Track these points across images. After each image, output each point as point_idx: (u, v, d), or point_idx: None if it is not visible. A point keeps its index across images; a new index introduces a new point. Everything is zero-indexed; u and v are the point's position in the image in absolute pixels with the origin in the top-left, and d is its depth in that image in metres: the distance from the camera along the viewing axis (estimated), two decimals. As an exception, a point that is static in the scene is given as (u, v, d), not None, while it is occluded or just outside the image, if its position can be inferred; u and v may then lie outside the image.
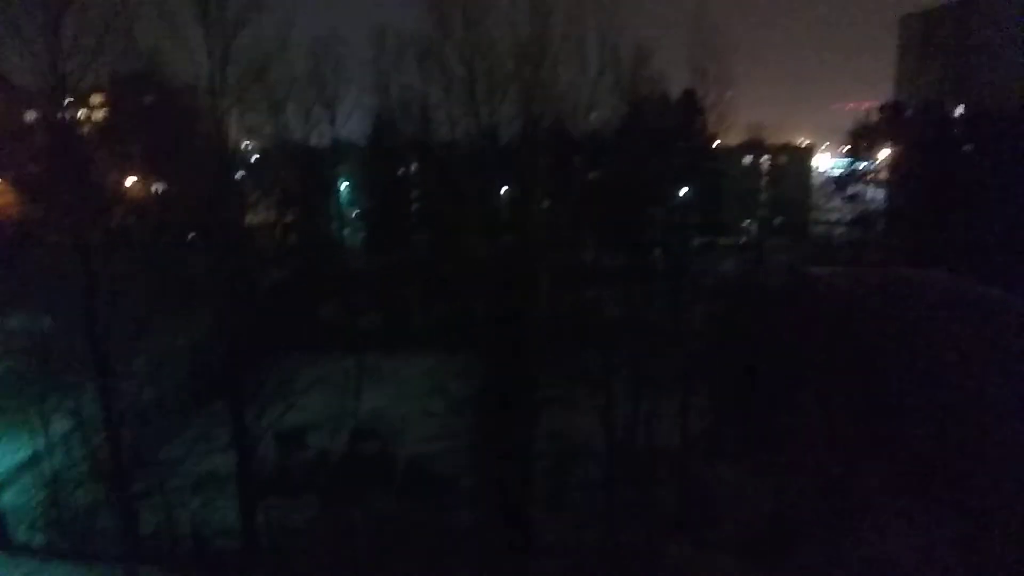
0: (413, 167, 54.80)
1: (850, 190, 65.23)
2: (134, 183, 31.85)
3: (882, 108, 63.75)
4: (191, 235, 26.53)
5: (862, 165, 68.20)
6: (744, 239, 63.57)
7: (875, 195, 64.18)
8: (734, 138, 70.01)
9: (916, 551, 22.30)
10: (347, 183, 57.89)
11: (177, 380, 30.87)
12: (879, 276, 38.89)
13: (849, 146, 66.51)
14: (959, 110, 68.39)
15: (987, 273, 36.48)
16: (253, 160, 46.51)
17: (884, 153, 65.37)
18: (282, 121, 42.36)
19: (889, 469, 26.64)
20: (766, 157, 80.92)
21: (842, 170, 72.93)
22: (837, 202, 68.02)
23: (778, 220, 66.08)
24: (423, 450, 29.16)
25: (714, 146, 53.60)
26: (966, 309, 31.70)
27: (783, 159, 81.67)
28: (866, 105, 70.51)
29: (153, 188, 33.06)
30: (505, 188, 34.16)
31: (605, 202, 34.28)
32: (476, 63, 29.17)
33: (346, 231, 55.53)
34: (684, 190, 46.15)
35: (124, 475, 22.38)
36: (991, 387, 21.12)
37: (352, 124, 52.35)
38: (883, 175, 64.83)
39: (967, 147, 54.73)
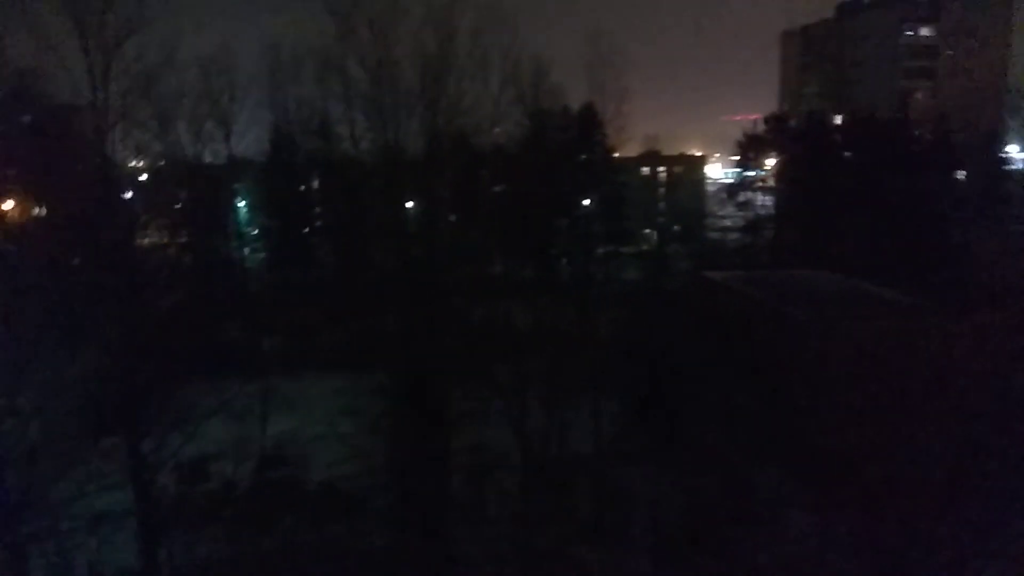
0: (315, 183, 53.75)
1: (741, 197, 68.41)
2: (12, 207, 29.83)
3: (767, 119, 67.15)
4: (76, 260, 25.07)
5: (751, 174, 71.61)
6: (645, 247, 65.46)
7: (764, 201, 67.49)
8: (632, 150, 72.36)
9: (817, 544, 23.46)
10: (245, 201, 56.13)
11: (67, 414, 28.97)
12: (770, 278, 41.03)
13: (739, 156, 69.67)
14: (838, 120, 72.81)
15: (868, 271, 39.04)
16: (143, 179, 44.46)
17: (771, 162, 68.92)
18: (173, 138, 40.69)
19: (791, 465, 27.97)
20: (663, 168, 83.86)
21: (733, 179, 76.27)
22: (730, 209, 71.09)
23: (676, 228, 68.37)
24: (335, 472, 28.46)
25: (614, 158, 55.31)
26: (852, 306, 33.78)
27: (679, 169, 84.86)
28: (753, 116, 74.21)
29: (34, 211, 31.07)
30: (411, 203, 34.02)
31: (511, 214, 34.67)
32: (380, 77, 28.99)
33: (245, 250, 53.80)
34: (587, 201, 47.25)
35: (11, 519, 20.78)
36: (881, 380, 22.40)
37: (249, 140, 50.96)
38: (770, 183, 68.32)
39: (846, 155, 58.38)
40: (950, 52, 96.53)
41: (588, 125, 49.22)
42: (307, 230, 52.77)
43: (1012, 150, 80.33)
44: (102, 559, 23.40)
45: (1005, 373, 20.23)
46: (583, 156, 50.20)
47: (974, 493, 18.32)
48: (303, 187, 53.77)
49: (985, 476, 18.12)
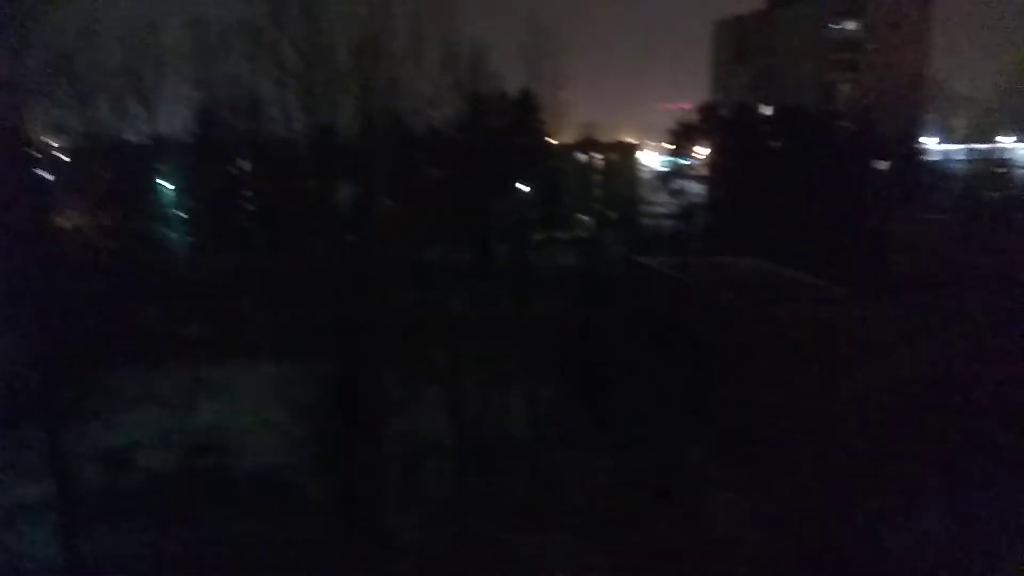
0: (245, 165, 52.21)
1: (674, 185, 69.65)
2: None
3: (699, 109, 68.43)
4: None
5: (684, 162, 72.95)
6: (581, 233, 66.03)
7: (696, 189, 68.90)
8: (568, 136, 72.72)
9: (742, 522, 24.28)
10: (171, 182, 54.18)
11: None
12: (701, 264, 42.04)
13: (672, 144, 70.85)
14: (768, 110, 74.73)
15: (792, 258, 40.35)
16: (63, 159, 42.41)
17: (703, 150, 70.37)
18: (95, 116, 38.89)
19: (720, 445, 28.81)
20: (599, 154, 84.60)
21: (667, 167, 77.49)
22: (664, 196, 72.26)
23: (612, 214, 69.14)
24: (266, 462, 27.95)
25: (550, 144, 55.51)
26: (776, 292, 34.88)
27: (614, 156, 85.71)
28: (687, 105, 75.54)
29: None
30: (345, 186, 33.41)
31: (448, 199, 34.44)
32: (312, 57, 28.25)
33: (172, 233, 51.97)
34: (524, 187, 47.32)
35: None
36: (802, 363, 23.16)
37: (175, 119, 49.21)
38: (702, 171, 69.76)
39: (774, 144, 60.01)
40: (874, 46, 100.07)
41: (525, 111, 49.23)
42: (237, 213, 51.26)
43: (930, 141, 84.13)
44: (20, 554, 22.40)
45: (920, 355, 21.17)
46: (520, 142, 50.19)
47: (893, 472, 19.15)
48: (232, 168, 52.14)
49: (904, 455, 18.94)
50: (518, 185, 46.77)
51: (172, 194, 54.09)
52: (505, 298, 33.16)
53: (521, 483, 26.78)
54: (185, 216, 53.85)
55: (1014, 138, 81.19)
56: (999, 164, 76.66)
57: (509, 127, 49.00)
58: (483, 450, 27.11)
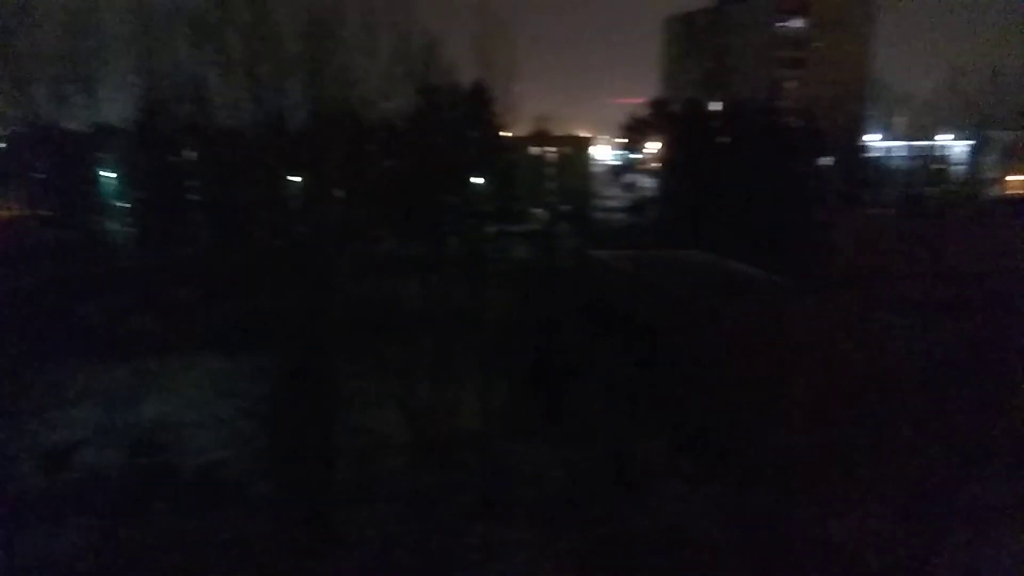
0: (190, 154, 50.95)
1: (626, 179, 70.49)
2: None
3: (650, 104, 69.30)
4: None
5: (636, 156, 73.83)
6: (534, 226, 66.31)
7: (647, 183, 69.81)
8: (522, 129, 72.85)
9: (693, 511, 24.77)
10: (113, 172, 52.59)
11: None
12: (652, 257, 42.60)
13: (624, 138, 71.65)
14: (716, 106, 75.98)
15: (739, 251, 41.23)
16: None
17: (653, 145, 71.28)
18: (32, 103, 37.52)
19: (672, 436, 29.29)
20: (551, 148, 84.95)
21: (619, 160, 78.25)
22: (616, 190, 73.02)
23: (565, 208, 69.55)
24: (213, 458, 27.39)
25: (503, 137, 55.50)
26: (724, 284, 35.58)
27: (567, 150, 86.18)
28: (638, 100, 76.39)
29: None
30: (294, 177, 32.90)
31: (400, 191, 34.18)
32: (259, 44, 27.72)
33: (115, 225, 50.50)
34: (477, 179, 47.23)
35: None
36: (749, 353, 23.67)
37: (117, 107, 47.71)
38: (653, 165, 70.71)
39: (722, 140, 61.08)
40: (818, 44, 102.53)
41: (478, 103, 49.07)
42: (183, 204, 50.02)
43: (873, 138, 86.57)
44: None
45: (862, 345, 21.85)
46: (473, 134, 50.06)
47: (838, 459, 19.71)
48: (177, 158, 50.83)
49: (847, 443, 19.49)
50: (471, 178, 46.67)
51: (114, 184, 52.56)
52: (458, 291, 33.08)
53: (474, 476, 26.80)
54: (128, 207, 52.39)
55: (952, 135, 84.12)
56: (938, 161, 79.40)
57: (462, 120, 48.80)
58: (436, 443, 27.04)
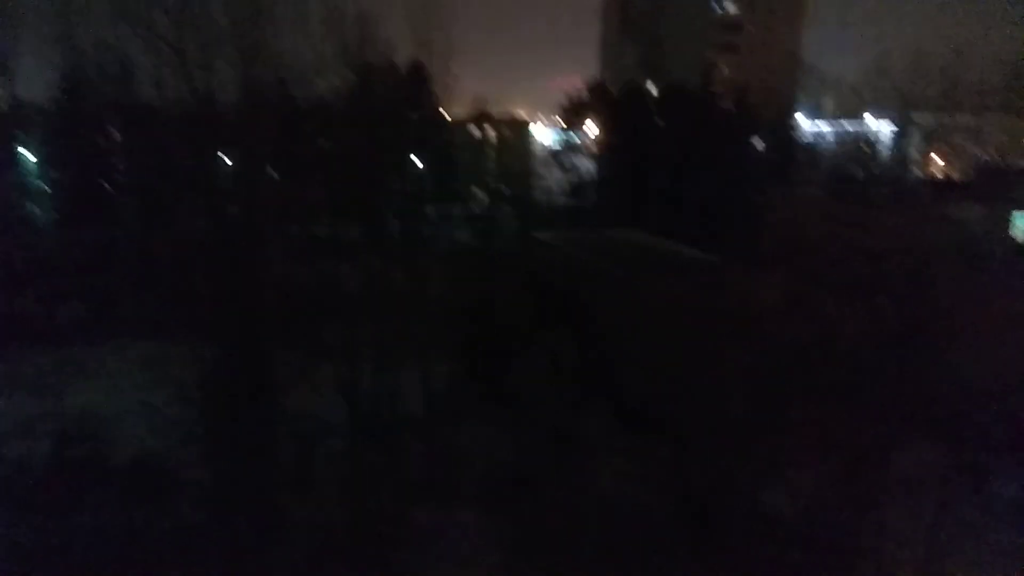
0: (115, 135, 48.94)
1: (566, 161, 70.60)
2: None
3: (588, 86, 69.42)
4: None
5: (576, 138, 74.00)
6: (475, 208, 65.99)
7: (587, 164, 70.13)
8: (461, 110, 72.16)
9: (632, 485, 25.29)
10: (33, 152, 50.18)
11: None
12: (591, 238, 43.00)
13: (564, 120, 71.71)
14: (655, 88, 76.65)
15: (677, 232, 42.01)
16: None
17: (593, 127, 71.58)
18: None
19: (611, 410, 29.75)
20: (492, 129, 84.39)
21: (559, 143, 78.32)
22: (556, 171, 73.14)
23: (505, 190, 69.33)
24: (146, 448, 26.63)
25: (443, 117, 54.88)
26: (662, 264, 36.23)
27: (507, 132, 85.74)
28: (578, 82, 76.30)
29: None
30: (225, 158, 31.95)
31: (336, 172, 33.54)
32: (187, 19, 26.70)
33: (35, 208, 48.27)
34: (416, 161, 46.67)
35: None
36: (690, 332, 24.17)
37: (36, 85, 45.55)
38: (592, 146, 71.05)
39: (659, 121, 61.78)
40: (751, 27, 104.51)
41: (416, 83, 48.38)
42: (107, 186, 48.06)
43: (804, 120, 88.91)
44: None
45: (794, 320, 22.54)
46: (412, 114, 49.40)
47: (769, 431, 20.36)
48: (101, 138, 48.76)
49: (779, 414, 20.14)
50: (409, 159, 46.10)
51: (34, 165, 50.21)
52: (399, 274, 32.78)
53: (415, 457, 26.77)
54: (49, 189, 50.12)
55: (879, 117, 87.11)
56: (865, 142, 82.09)
57: (399, 99, 48.06)
58: (376, 426, 26.88)
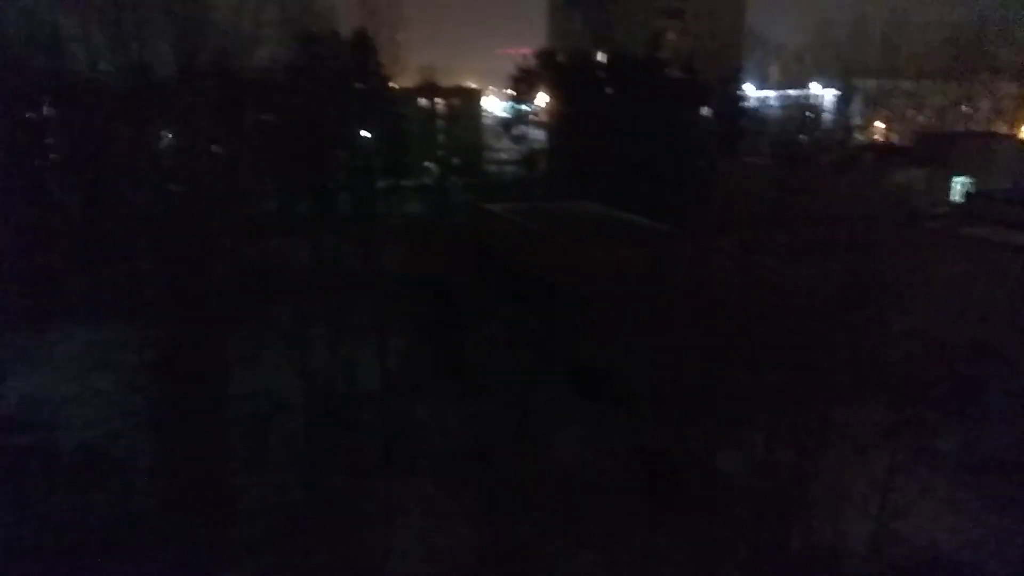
0: (48, 110, 46.78)
1: (516, 131, 70.20)
2: None
3: (536, 55, 68.82)
4: None
5: (525, 108, 73.55)
6: (426, 180, 65.33)
7: (538, 135, 69.87)
8: (408, 80, 71.00)
9: (591, 453, 25.65)
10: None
11: None
12: (543, 209, 42.97)
13: (513, 90, 71.14)
14: (602, 57, 76.37)
15: (625, 201, 42.24)
16: None
17: (542, 97, 71.21)
18: None
19: (568, 381, 30.02)
20: (440, 100, 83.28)
21: (509, 113, 77.79)
22: (507, 142, 72.74)
23: (456, 161, 68.76)
24: (94, 434, 25.92)
25: (390, 88, 53.91)
26: (612, 233, 36.45)
27: (456, 102, 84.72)
28: (526, 51, 75.55)
29: None
30: (166, 132, 30.90)
31: (282, 145, 32.72)
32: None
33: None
34: (365, 132, 45.81)
35: None
36: (640, 300, 24.36)
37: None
38: (543, 117, 70.76)
39: (608, 90, 61.67)
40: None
41: (361, 52, 47.37)
42: (40, 163, 45.99)
43: (750, 88, 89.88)
44: None
45: (743, 287, 22.88)
46: (357, 85, 48.39)
47: (724, 395, 20.71)
48: (33, 114, 46.55)
49: (732, 379, 20.49)
50: (358, 131, 45.26)
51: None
52: (350, 248, 32.31)
53: (373, 434, 26.64)
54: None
55: (822, 84, 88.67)
56: (810, 109, 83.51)
57: (345, 70, 47.02)
58: (332, 404, 26.64)
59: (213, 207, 23.59)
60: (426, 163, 68.74)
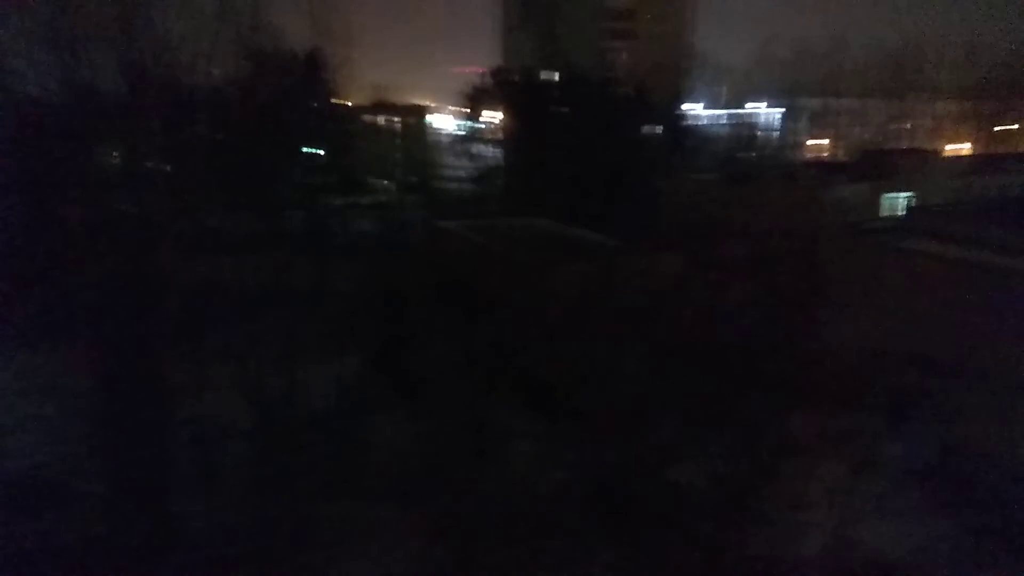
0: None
1: (471, 149, 70.62)
2: None
3: (488, 73, 69.52)
4: None
5: (480, 126, 74.11)
6: (381, 198, 65.20)
7: (489, 152, 70.35)
8: (362, 98, 71.00)
9: (545, 468, 25.69)
10: None
11: None
12: (497, 226, 43.24)
13: (465, 108, 71.68)
14: (555, 77, 77.35)
15: (578, 217, 42.82)
16: None
17: (496, 115, 71.83)
18: None
19: (521, 398, 30.06)
20: (395, 118, 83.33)
21: (463, 131, 78.21)
22: (459, 160, 73.08)
23: (407, 179, 68.76)
24: (32, 461, 25.02)
25: (344, 105, 53.81)
26: (565, 249, 36.84)
27: (411, 120, 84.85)
28: (480, 70, 76.15)
29: None
30: (112, 150, 30.25)
31: (233, 163, 32.33)
32: (64, 3, 25.11)
33: None
34: (319, 150, 45.59)
35: None
36: (590, 312, 24.69)
37: None
38: (494, 134, 71.33)
39: (558, 109, 62.55)
40: (645, 15, 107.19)
41: (314, 70, 47.14)
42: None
43: (696, 107, 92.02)
44: None
45: (691, 301, 23.41)
46: (308, 102, 48.16)
47: (675, 408, 21.12)
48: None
49: (680, 394, 20.91)
50: (308, 149, 44.99)
51: None
52: (303, 267, 32.02)
53: (325, 456, 26.29)
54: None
55: (765, 103, 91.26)
56: (753, 127, 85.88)
57: (298, 86, 46.75)
58: (283, 426, 26.23)
59: (156, 225, 23.18)
60: (376, 180, 68.61)
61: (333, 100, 50.07)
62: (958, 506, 23.06)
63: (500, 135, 69.93)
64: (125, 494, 21.46)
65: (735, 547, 19.04)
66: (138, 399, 21.22)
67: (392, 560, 21.71)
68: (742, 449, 18.99)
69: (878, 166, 52.49)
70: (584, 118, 56.66)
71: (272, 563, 20.78)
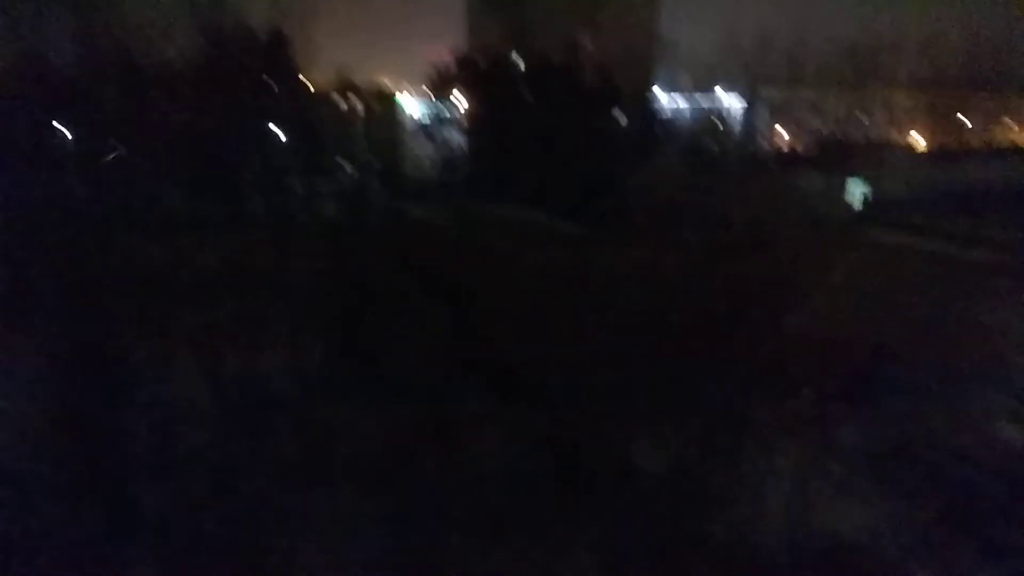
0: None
1: (437, 134, 70.01)
2: None
3: (455, 57, 68.93)
4: None
5: (446, 111, 73.44)
6: (345, 183, 64.39)
7: (456, 137, 69.86)
8: (326, 81, 69.83)
9: (507, 452, 25.73)
10: None
11: None
12: (465, 213, 43.15)
13: (432, 92, 71.01)
14: (522, 62, 76.95)
15: (544, 204, 42.84)
16: None
17: (463, 99, 71.26)
18: None
19: (485, 383, 30.05)
20: (360, 102, 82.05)
21: (430, 116, 77.43)
22: (428, 146, 72.43)
23: (376, 164, 67.96)
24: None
25: (307, 88, 52.90)
26: (533, 236, 36.87)
27: (376, 104, 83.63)
28: (448, 55, 75.32)
29: None
30: (66, 130, 29.54)
31: (192, 145, 31.71)
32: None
33: None
34: (281, 133, 44.86)
35: None
36: (557, 300, 24.75)
37: None
38: (464, 120, 70.81)
39: (530, 95, 62.33)
40: (614, 3, 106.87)
41: (275, 50, 46.28)
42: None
43: (662, 95, 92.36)
44: None
45: (658, 289, 23.61)
46: (272, 84, 47.32)
47: (638, 393, 21.29)
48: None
49: (647, 376, 21.08)
50: (275, 131, 44.24)
51: None
52: (265, 251, 31.56)
53: (287, 442, 26.03)
54: None
55: (731, 91, 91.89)
56: (719, 115, 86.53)
57: (259, 67, 45.90)
58: (244, 411, 25.91)
59: (113, 206, 22.67)
60: (345, 165, 67.67)
61: (292, 81, 49.16)
62: (912, 490, 23.67)
63: (467, 119, 69.46)
64: (79, 479, 21.02)
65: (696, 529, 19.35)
66: (91, 384, 20.78)
67: (354, 548, 21.57)
68: (700, 433, 19.28)
69: (840, 156, 53.40)
70: (551, 104, 56.60)
71: (237, 552, 20.53)
